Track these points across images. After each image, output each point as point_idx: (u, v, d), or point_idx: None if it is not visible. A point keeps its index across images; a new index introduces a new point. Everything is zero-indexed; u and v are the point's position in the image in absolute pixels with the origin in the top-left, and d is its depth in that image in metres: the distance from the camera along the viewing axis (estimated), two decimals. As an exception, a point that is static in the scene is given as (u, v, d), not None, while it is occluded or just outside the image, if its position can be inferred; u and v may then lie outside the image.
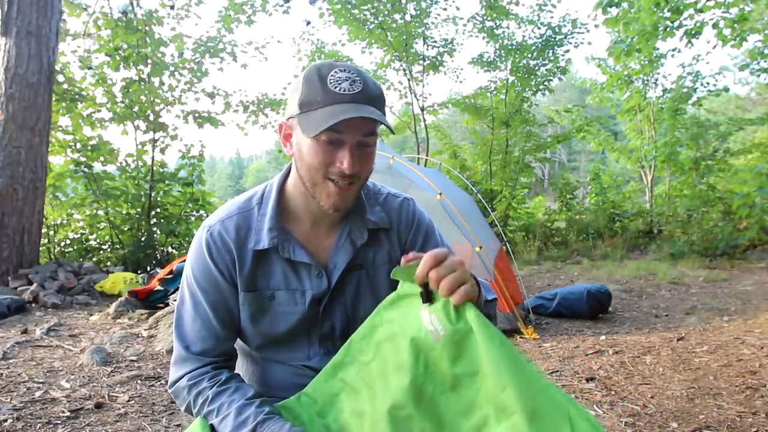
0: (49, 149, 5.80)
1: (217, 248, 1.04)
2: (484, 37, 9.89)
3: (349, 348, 0.98)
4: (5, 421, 2.22)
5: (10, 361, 3.06)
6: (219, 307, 1.05)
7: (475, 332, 0.82)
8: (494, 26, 9.76)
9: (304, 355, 1.09)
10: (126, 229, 7.30)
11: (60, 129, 6.84)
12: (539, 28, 9.72)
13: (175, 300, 4.31)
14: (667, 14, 5.57)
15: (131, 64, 7.18)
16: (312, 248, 1.08)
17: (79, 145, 6.90)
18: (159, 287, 4.56)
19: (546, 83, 9.97)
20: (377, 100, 0.96)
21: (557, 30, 9.61)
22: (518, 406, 0.76)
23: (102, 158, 7.08)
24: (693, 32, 5.76)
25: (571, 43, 9.72)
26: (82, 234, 7.40)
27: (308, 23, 10.14)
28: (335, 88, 0.93)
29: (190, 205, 7.81)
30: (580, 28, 9.58)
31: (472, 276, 0.87)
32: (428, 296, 0.86)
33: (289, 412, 0.98)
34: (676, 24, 5.76)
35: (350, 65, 0.98)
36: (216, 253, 1.04)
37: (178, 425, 2.26)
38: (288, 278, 1.06)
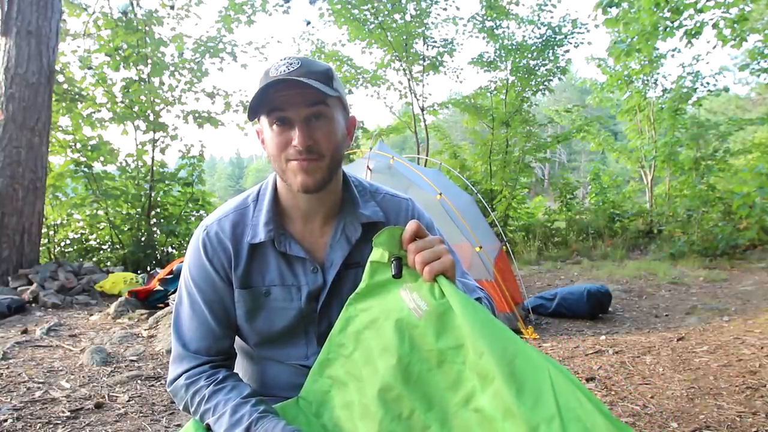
0: (49, 149, 5.80)
1: (212, 247, 1.05)
2: (484, 37, 9.89)
3: (330, 345, 0.99)
4: (5, 421, 2.22)
5: (10, 361, 3.05)
6: (215, 305, 1.06)
7: (450, 302, 0.84)
8: (494, 26, 9.76)
9: (302, 354, 1.08)
10: (126, 229, 7.30)
11: (60, 129, 6.84)
12: (539, 28, 9.72)
13: (174, 300, 4.31)
14: (667, 14, 5.56)
15: (131, 64, 7.17)
16: (307, 245, 1.08)
17: (79, 145, 6.91)
18: (159, 287, 4.56)
19: (546, 83, 9.97)
20: (317, 74, 0.97)
21: (557, 30, 9.61)
22: (497, 371, 0.76)
23: (102, 158, 7.08)
24: (693, 32, 5.75)
25: (571, 43, 9.71)
26: (82, 234, 7.41)
27: (308, 23, 10.14)
28: (273, 73, 0.96)
29: (190, 205, 7.82)
30: (580, 28, 9.57)
31: (450, 251, 0.89)
32: (399, 269, 0.89)
33: (288, 415, 0.99)
34: (676, 24, 5.74)
35: (298, 56, 1.00)
36: (212, 251, 1.05)
37: (178, 425, 2.25)
38: (283, 274, 1.06)
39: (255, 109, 0.98)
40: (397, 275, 0.89)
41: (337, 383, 0.97)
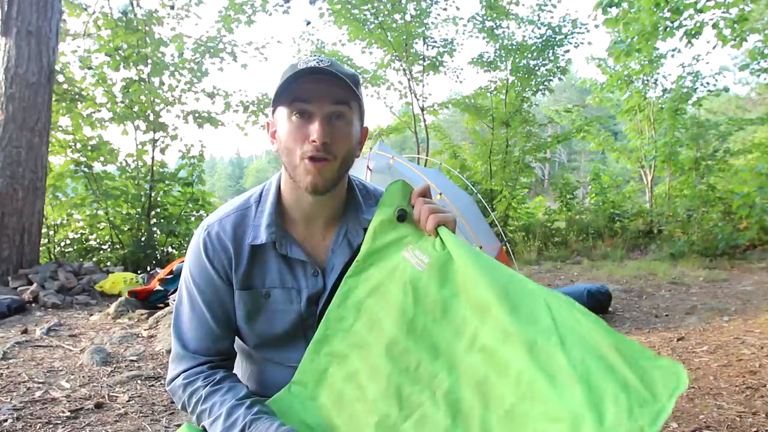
0: (49, 149, 5.79)
1: (213, 247, 1.05)
2: (484, 37, 9.89)
3: (327, 321, 0.98)
4: (5, 421, 2.22)
5: (10, 361, 3.05)
6: (215, 306, 1.06)
7: (446, 244, 0.87)
8: (494, 26, 9.76)
9: (301, 357, 1.08)
10: (126, 229, 7.29)
11: (60, 129, 6.83)
12: (539, 28, 9.73)
13: (174, 300, 4.31)
14: (667, 14, 5.56)
15: (131, 64, 7.17)
16: (308, 248, 1.08)
17: (79, 145, 6.89)
18: (159, 287, 4.56)
19: (546, 83, 9.98)
20: (346, 76, 0.97)
21: (557, 30, 9.61)
22: (492, 298, 0.78)
23: (102, 158, 7.07)
24: (693, 32, 5.75)
25: (571, 43, 9.72)
26: (82, 234, 7.40)
27: (308, 23, 10.15)
28: (301, 66, 0.96)
29: (190, 205, 7.81)
30: (580, 28, 9.58)
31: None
32: (403, 216, 0.96)
33: (282, 406, 0.98)
34: (676, 24, 5.75)
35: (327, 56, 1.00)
36: (212, 252, 1.05)
37: (178, 425, 2.25)
38: (284, 276, 1.06)
39: (277, 97, 0.97)
40: (401, 219, 0.95)
41: (336, 359, 0.96)
